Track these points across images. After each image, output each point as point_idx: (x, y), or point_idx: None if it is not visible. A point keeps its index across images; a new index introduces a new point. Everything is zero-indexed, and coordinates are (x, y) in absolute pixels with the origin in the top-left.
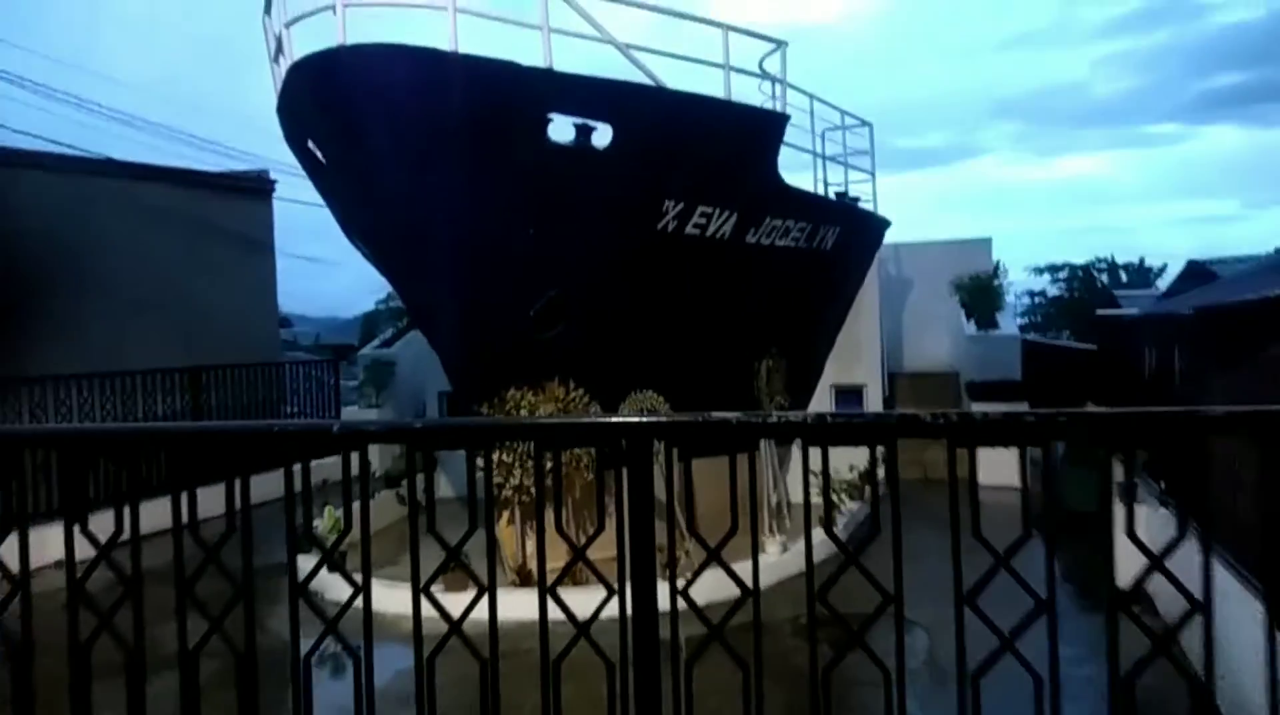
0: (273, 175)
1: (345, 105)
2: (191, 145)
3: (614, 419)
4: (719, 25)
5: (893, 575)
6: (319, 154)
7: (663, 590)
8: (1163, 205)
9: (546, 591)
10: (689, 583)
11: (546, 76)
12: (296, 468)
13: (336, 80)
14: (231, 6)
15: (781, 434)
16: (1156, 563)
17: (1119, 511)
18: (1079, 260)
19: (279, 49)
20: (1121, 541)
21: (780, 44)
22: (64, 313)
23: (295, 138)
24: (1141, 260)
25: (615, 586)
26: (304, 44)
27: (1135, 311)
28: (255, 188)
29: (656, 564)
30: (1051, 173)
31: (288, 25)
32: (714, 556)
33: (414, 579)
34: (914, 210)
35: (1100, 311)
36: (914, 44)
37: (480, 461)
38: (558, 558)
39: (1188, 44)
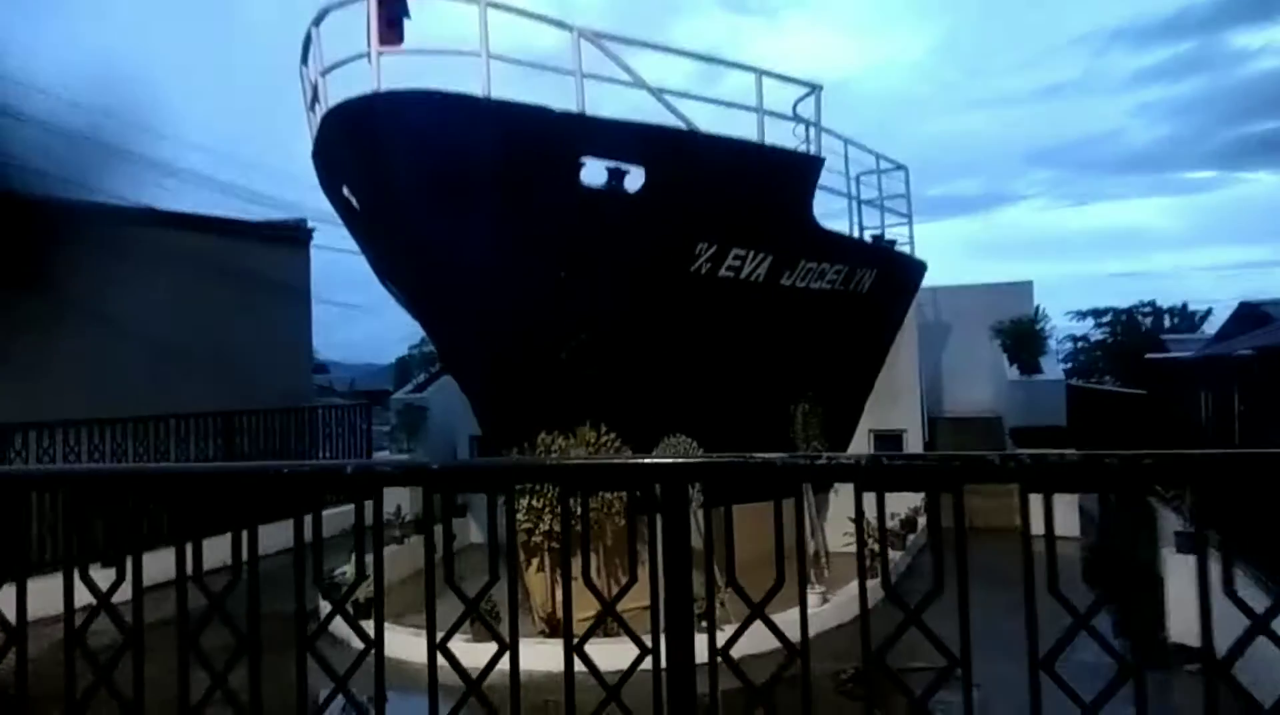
0: (312, 224)
1: (378, 150)
2: (243, 198)
3: (647, 460)
4: (752, 70)
5: (959, 636)
6: (353, 200)
7: (698, 642)
8: (1202, 251)
9: (572, 650)
10: (730, 641)
11: (579, 121)
12: (309, 513)
13: (370, 125)
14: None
15: (832, 477)
16: (1260, 625)
17: (1173, 560)
18: (1121, 305)
19: (315, 97)
20: (1174, 592)
21: (815, 88)
22: (101, 357)
23: (330, 184)
24: (1184, 305)
25: (649, 645)
26: (340, 93)
27: (1189, 354)
28: (293, 236)
29: (694, 617)
30: (1088, 219)
31: (324, 73)
32: (758, 613)
33: (429, 635)
34: (949, 257)
35: (1149, 355)
36: (947, 94)
37: (503, 504)
38: (588, 607)
39: (1220, 91)
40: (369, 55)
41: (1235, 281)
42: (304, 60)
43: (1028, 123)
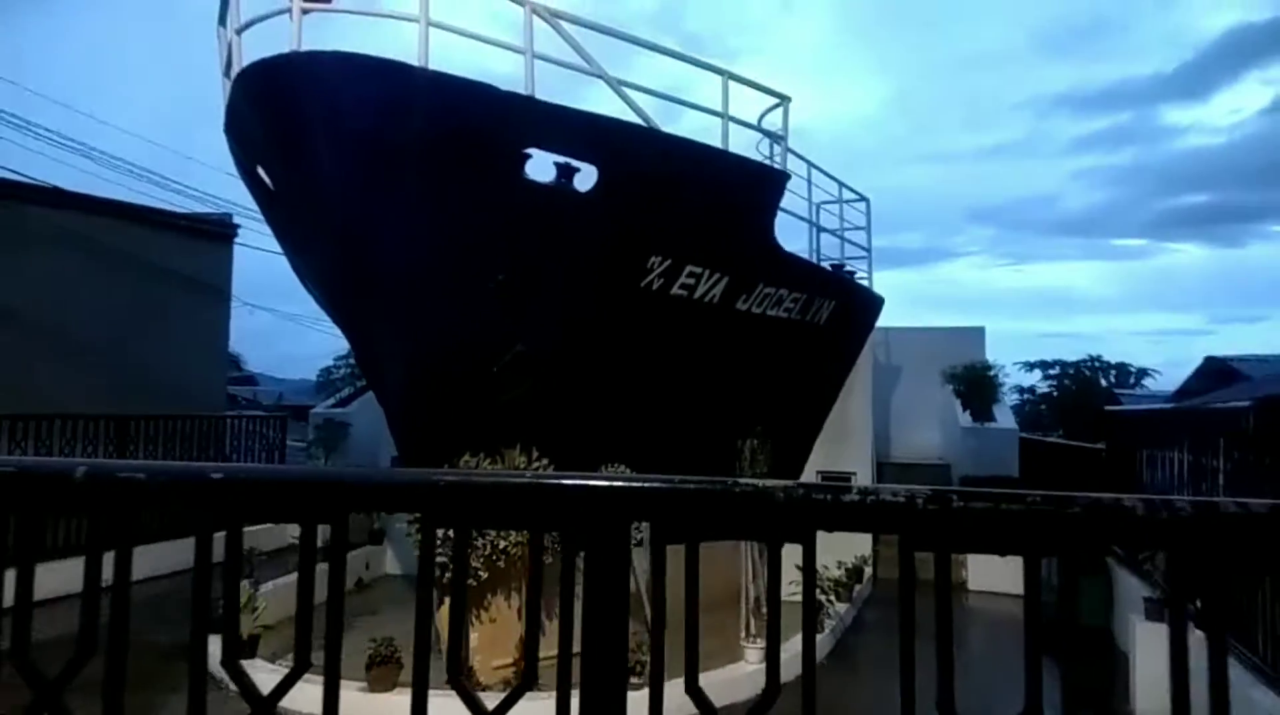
0: (239, 221)
1: (292, 118)
2: (171, 190)
3: (573, 480)
4: (719, 72)
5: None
6: (266, 179)
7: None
8: (1131, 316)
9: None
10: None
11: (527, 105)
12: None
13: (284, 90)
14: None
15: (865, 519)
16: None
17: (1142, 629)
18: (1068, 359)
19: (229, 62)
20: (1144, 661)
21: (783, 99)
22: None
23: (244, 161)
24: (1124, 363)
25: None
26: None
27: (1168, 405)
28: (214, 231)
29: (628, 673)
30: (1025, 278)
31: (239, 31)
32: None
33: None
34: (891, 307)
35: (1109, 407)
36: (895, 148)
37: (416, 530)
38: (506, 654)
39: (1154, 164)
40: (290, 11)
41: (1162, 347)
42: (221, 21)
43: (970, 181)
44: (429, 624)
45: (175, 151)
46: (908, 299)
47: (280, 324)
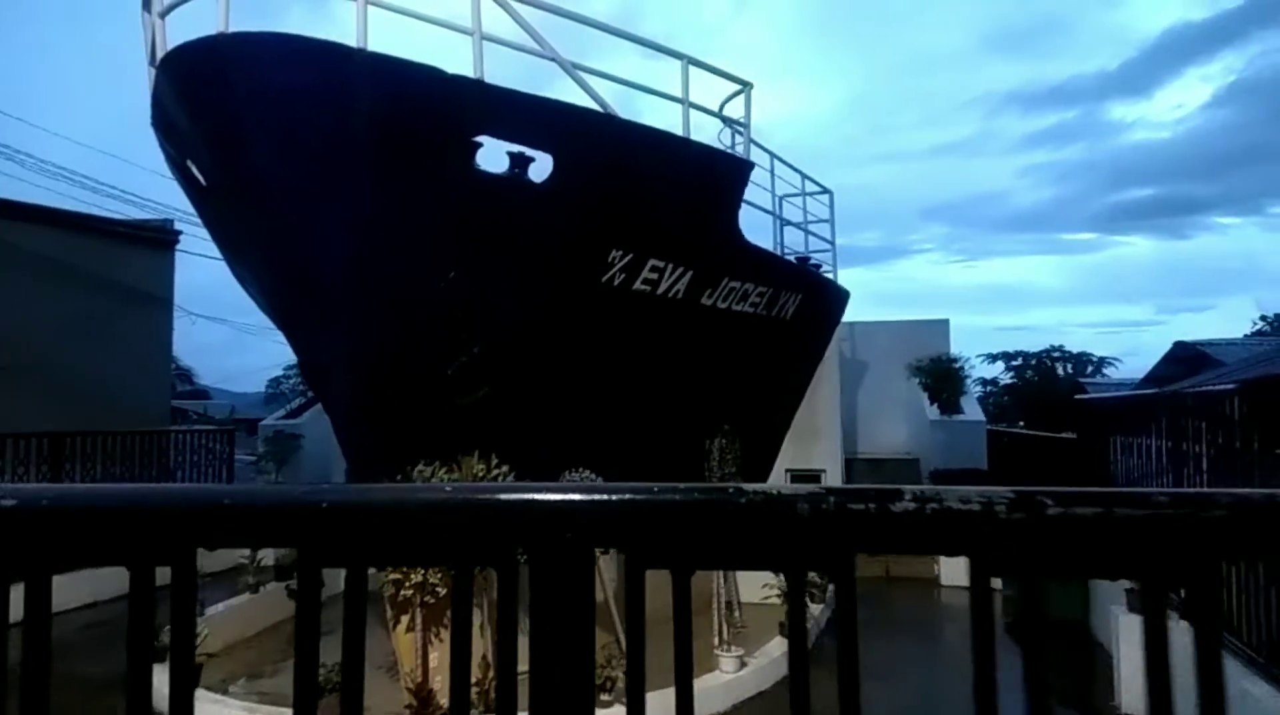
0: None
1: (220, 106)
2: (111, 197)
3: (513, 495)
4: (679, 56)
5: None
6: (199, 175)
7: None
8: (1082, 308)
9: None
10: None
11: (477, 89)
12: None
13: (209, 75)
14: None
15: (924, 539)
16: None
17: (1125, 621)
18: (1030, 350)
19: (154, 50)
20: (1127, 656)
21: (745, 85)
22: None
23: (175, 157)
24: (1084, 353)
25: None
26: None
27: (1146, 391)
28: (155, 238)
29: (595, 690)
30: (979, 274)
31: (162, 15)
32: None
33: None
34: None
35: (1079, 396)
36: (850, 148)
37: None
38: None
39: (1101, 159)
40: None
41: (1114, 338)
42: (145, 6)
43: (924, 179)
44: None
45: (115, 156)
46: (867, 296)
47: (235, 336)
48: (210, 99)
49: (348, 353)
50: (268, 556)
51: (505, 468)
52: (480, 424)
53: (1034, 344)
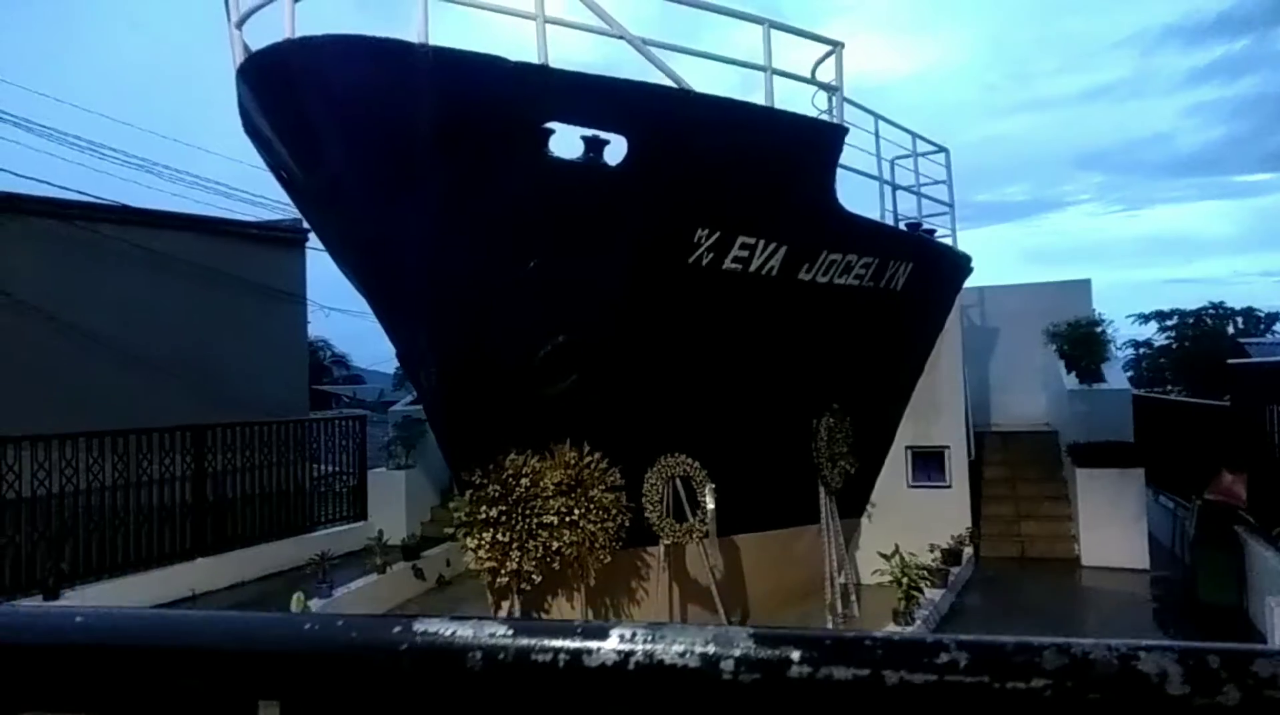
0: None
1: (292, 111)
2: (219, 193)
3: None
4: (759, 21)
5: None
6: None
7: None
8: (1258, 256)
9: None
10: None
11: (542, 75)
12: None
13: (279, 81)
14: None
15: None
16: None
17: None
18: (1186, 308)
19: (235, 58)
20: None
21: (836, 45)
22: (63, 370)
23: (269, 161)
24: (1250, 309)
25: None
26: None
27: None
28: (285, 238)
29: None
30: (1140, 225)
31: (238, 25)
32: None
33: None
34: (997, 264)
35: (1233, 361)
36: (991, 98)
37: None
38: None
39: (1277, 92)
40: None
41: None
42: (229, 18)
43: (1075, 126)
44: None
45: (241, 162)
46: (1016, 254)
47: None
48: (282, 104)
49: (432, 344)
50: (391, 536)
51: (598, 455)
52: (572, 412)
53: (1200, 298)
